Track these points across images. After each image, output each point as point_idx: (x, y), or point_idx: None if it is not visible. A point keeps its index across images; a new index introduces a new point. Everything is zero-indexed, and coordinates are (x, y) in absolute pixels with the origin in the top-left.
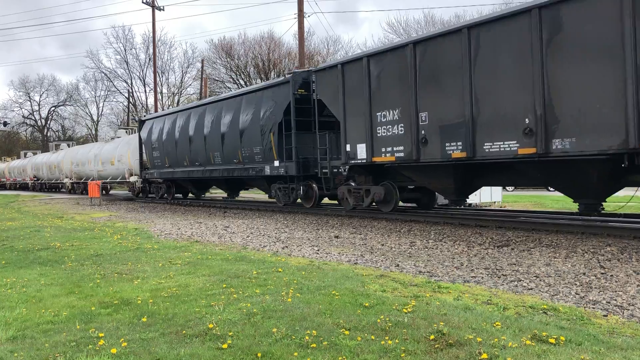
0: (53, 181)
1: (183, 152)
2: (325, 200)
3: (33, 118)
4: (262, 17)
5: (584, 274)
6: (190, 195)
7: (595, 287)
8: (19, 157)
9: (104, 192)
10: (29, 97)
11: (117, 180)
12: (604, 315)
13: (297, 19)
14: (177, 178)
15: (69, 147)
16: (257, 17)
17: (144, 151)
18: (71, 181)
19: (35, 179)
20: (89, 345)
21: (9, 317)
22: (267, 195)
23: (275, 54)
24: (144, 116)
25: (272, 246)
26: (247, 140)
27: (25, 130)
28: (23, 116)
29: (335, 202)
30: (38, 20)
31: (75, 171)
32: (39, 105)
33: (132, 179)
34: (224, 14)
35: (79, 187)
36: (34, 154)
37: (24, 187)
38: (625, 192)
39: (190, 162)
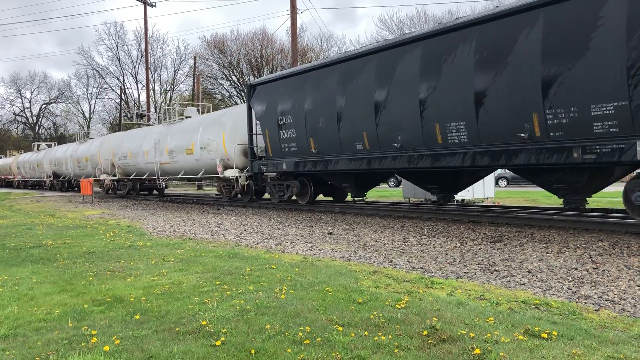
0: (82, 178)
1: (355, 130)
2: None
3: (24, 115)
4: (255, 13)
5: (576, 269)
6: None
7: (587, 282)
8: (27, 151)
9: (155, 191)
10: (20, 94)
11: (198, 175)
12: (596, 310)
13: (290, 15)
14: (334, 171)
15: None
16: (250, 13)
17: (255, 132)
18: (112, 178)
19: (55, 175)
20: (82, 343)
21: (0, 316)
22: (562, 201)
23: (268, 50)
24: (255, 80)
25: (266, 243)
26: (569, 93)
27: (17, 128)
28: (14, 113)
29: None
30: (35, 16)
31: (120, 165)
32: (30, 102)
33: (230, 173)
34: (216, 10)
35: (125, 185)
36: (49, 146)
37: (36, 185)
38: (617, 188)
39: (376, 144)
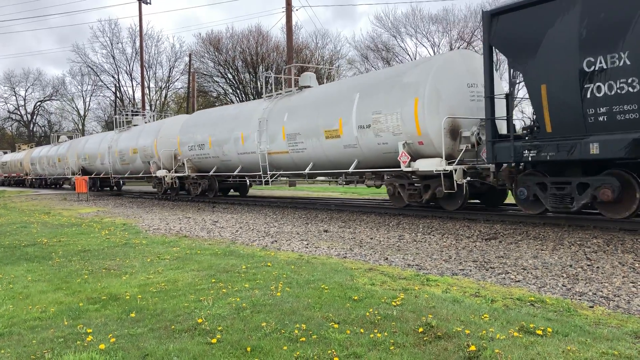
0: (127, 175)
1: None
2: None
3: (19, 113)
4: (250, 10)
5: (571, 266)
6: None
7: (582, 279)
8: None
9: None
10: (14, 91)
11: (349, 170)
12: (590, 307)
13: (285, 13)
14: None
15: (147, 122)
16: (246, 10)
17: (514, 93)
18: (177, 175)
19: (85, 172)
20: (77, 341)
21: None
22: None
23: (263, 47)
24: (501, 5)
25: (261, 241)
26: None
27: (11, 126)
28: (8, 111)
29: None
30: (33, 13)
31: (192, 157)
32: (24, 100)
33: (428, 165)
34: (212, 7)
35: (197, 185)
36: (70, 137)
37: (56, 184)
38: None
39: None
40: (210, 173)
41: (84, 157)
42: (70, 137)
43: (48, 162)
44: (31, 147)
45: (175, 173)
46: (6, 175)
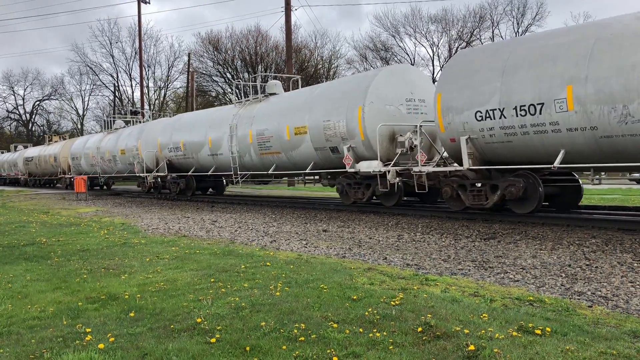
0: (271, 171)
1: None
2: None
3: (17, 112)
4: (249, 10)
5: (570, 265)
6: None
7: (581, 279)
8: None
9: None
10: (13, 91)
11: None
12: (589, 306)
13: (284, 12)
14: None
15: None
16: (245, 10)
17: None
18: (432, 169)
19: (172, 169)
20: (76, 340)
21: None
22: None
23: (262, 47)
24: None
25: (260, 240)
26: None
27: (10, 125)
28: (7, 110)
29: None
30: (38, 12)
31: (480, 134)
32: (23, 99)
33: None
34: (211, 7)
35: (479, 193)
36: (128, 123)
37: (106, 186)
38: (608, 186)
39: None
40: (558, 164)
41: (173, 146)
42: (128, 124)
43: (102, 156)
44: (63, 139)
45: (396, 166)
46: (30, 174)
